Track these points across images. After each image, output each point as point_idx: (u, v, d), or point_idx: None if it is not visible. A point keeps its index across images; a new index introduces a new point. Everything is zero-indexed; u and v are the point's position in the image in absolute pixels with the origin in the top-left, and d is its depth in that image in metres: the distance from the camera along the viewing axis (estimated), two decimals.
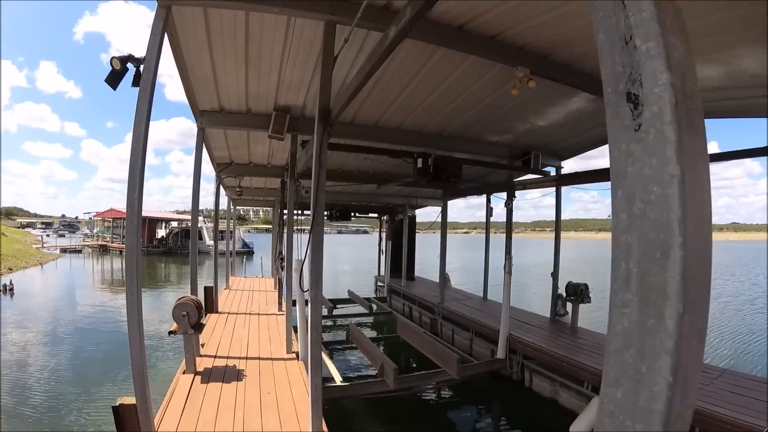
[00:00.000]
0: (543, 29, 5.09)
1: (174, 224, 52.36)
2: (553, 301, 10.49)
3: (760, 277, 33.58)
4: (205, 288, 10.93)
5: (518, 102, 7.11)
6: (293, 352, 7.42)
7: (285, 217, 9.36)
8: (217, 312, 10.90)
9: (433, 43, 4.86)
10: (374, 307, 14.49)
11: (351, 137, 7.60)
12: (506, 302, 8.72)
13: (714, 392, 6.09)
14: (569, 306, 10.27)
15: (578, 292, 9.68)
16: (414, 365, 10.35)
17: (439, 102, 7.14)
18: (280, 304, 11.39)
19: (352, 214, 17.34)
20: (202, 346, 7.58)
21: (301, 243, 7.96)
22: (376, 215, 19.90)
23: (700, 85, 6.07)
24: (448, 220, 13.47)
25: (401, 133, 8.12)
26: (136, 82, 3.88)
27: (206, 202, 16.11)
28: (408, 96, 6.88)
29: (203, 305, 6.80)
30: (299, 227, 8.01)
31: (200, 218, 52.61)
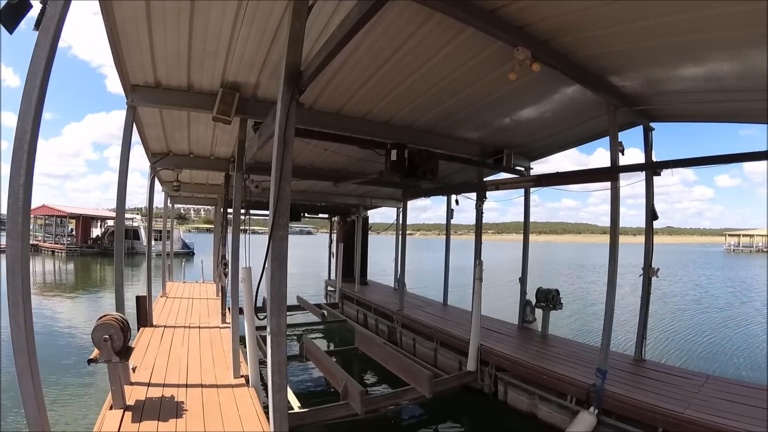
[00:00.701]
0: (547, 9, 4.44)
1: (110, 223, 48.65)
2: (521, 307, 9.96)
3: (701, 278, 35.50)
4: (138, 298, 9.45)
5: (502, 93, 6.45)
6: (242, 377, 6.30)
7: (230, 216, 8.22)
8: (151, 326, 9.43)
9: (429, 5, 3.97)
10: (326, 314, 13.42)
11: (307, 125, 6.58)
12: (477, 311, 8.05)
13: (706, 401, 5.79)
14: (537, 312, 9.81)
15: (549, 299, 9.19)
16: (375, 379, 9.45)
17: (415, 89, 6.32)
18: (223, 315, 10.10)
19: (302, 214, 16.21)
20: (134, 370, 6.29)
21: (248, 246, 6.88)
22: (326, 216, 18.81)
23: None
24: (390, 221, 12.73)
25: (366, 123, 7.19)
26: (38, 25, 2.71)
27: (143, 199, 14.39)
28: (381, 80, 6.00)
29: (128, 326, 5.54)
30: (246, 228, 6.90)
31: (137, 216, 49.10)
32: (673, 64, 5.55)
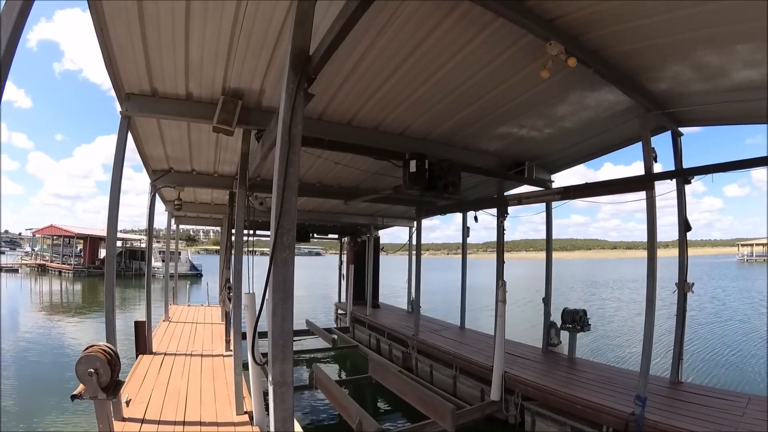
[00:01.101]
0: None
1: (119, 244, 48.47)
2: (545, 329, 9.29)
3: (717, 290, 34.38)
4: (136, 323, 8.96)
5: (524, 99, 6.01)
6: (245, 413, 5.70)
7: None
8: (151, 353, 8.87)
9: None
10: (337, 339, 12.77)
11: (336, 146, 6.16)
12: (501, 335, 7.41)
13: (753, 424, 5.34)
14: (563, 334, 9.15)
15: (576, 320, 8.54)
16: (391, 411, 8.80)
17: (431, 96, 5.87)
18: (227, 342, 9.52)
19: (311, 234, 15.72)
20: (128, 403, 5.77)
21: (252, 268, 6.36)
22: (336, 236, 18.30)
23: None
24: (398, 241, 12.16)
25: (379, 134, 6.73)
26: None
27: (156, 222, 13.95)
28: (395, 85, 5.54)
29: (117, 358, 5.01)
30: (252, 249, 6.39)
31: (146, 237, 48.72)
32: (703, 58, 5.07)
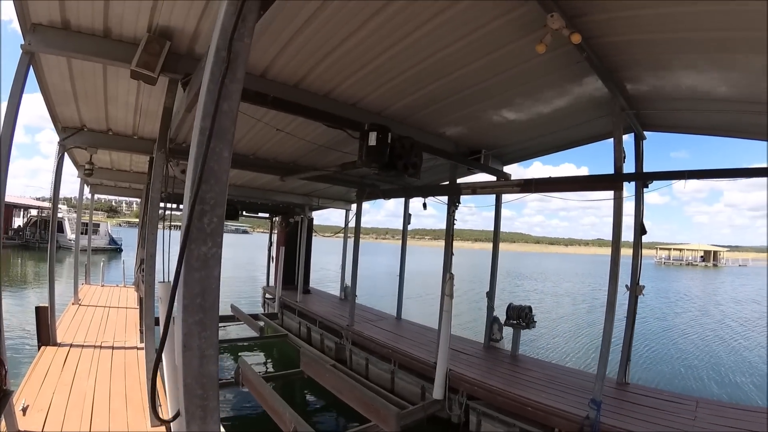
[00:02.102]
0: None
1: (34, 212, 44.01)
2: (488, 324, 8.99)
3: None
4: (38, 309, 7.46)
5: (501, 80, 5.46)
6: (161, 421, 4.71)
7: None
8: (54, 344, 7.48)
9: None
10: (264, 328, 11.78)
11: (280, 106, 5.13)
12: (446, 332, 6.91)
13: (706, 428, 5.37)
14: (505, 329, 8.90)
15: (522, 316, 8.29)
16: (325, 409, 8.11)
17: (394, 65, 5.13)
18: (141, 332, 8.29)
19: (240, 212, 14.46)
20: (24, 411, 4.70)
21: (168, 249, 5.28)
22: (267, 215, 17.08)
23: None
24: (325, 223, 11.46)
25: (329, 102, 5.87)
26: None
27: (73, 189, 12.11)
28: (353, 48, 4.74)
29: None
30: (170, 224, 5.31)
31: (63, 207, 43.99)
32: (692, 64, 4.82)
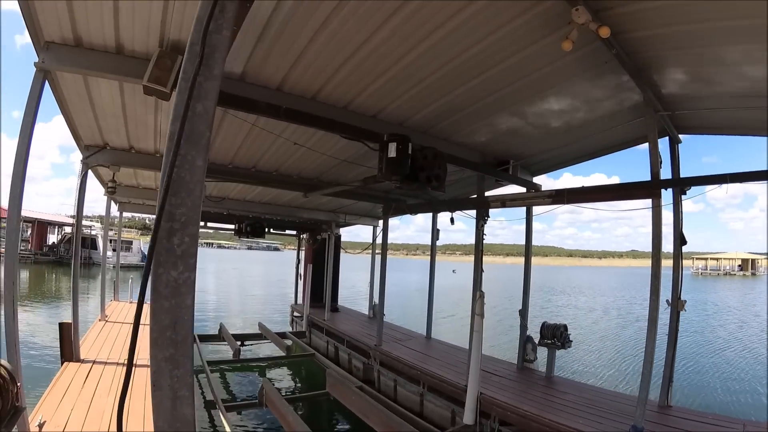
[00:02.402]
0: None
1: (68, 229, 45.10)
2: (521, 344, 8.54)
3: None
4: (61, 325, 7.53)
5: (527, 82, 5.15)
6: None
7: None
8: (78, 360, 7.52)
9: None
10: (292, 346, 11.62)
11: (294, 117, 5.00)
12: (477, 353, 6.53)
13: None
14: (539, 350, 8.43)
15: (557, 335, 7.82)
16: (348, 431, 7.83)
17: (414, 71, 4.90)
18: None
19: (268, 229, 14.46)
20: (40, 427, 4.61)
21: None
22: (294, 232, 17.07)
23: None
24: (358, 239, 11.21)
25: (348, 114, 5.70)
26: None
27: (99, 207, 12.48)
28: (369, 55, 4.55)
29: (12, 380, 3.84)
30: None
31: (96, 224, 45.61)
32: (732, 57, 4.41)
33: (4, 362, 3.78)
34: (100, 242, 36.81)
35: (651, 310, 5.31)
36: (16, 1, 3.75)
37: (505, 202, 7.21)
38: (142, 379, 6.98)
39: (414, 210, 9.81)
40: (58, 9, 3.84)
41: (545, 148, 7.44)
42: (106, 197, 11.54)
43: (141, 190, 11.39)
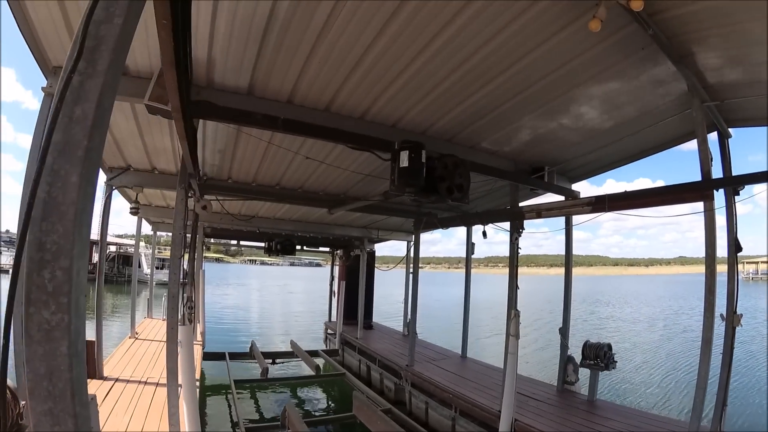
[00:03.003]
0: None
1: (112, 248, 47.14)
2: (561, 365, 7.90)
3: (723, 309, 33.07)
4: (85, 343, 7.60)
5: (554, 78, 4.67)
6: None
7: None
8: (101, 378, 7.58)
9: None
10: (321, 367, 11.34)
11: (293, 127, 4.76)
12: (511, 377, 6.00)
13: None
14: (581, 371, 7.78)
15: (600, 356, 7.15)
16: None
17: (432, 71, 4.51)
18: None
19: (301, 247, 14.38)
20: None
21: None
22: (327, 249, 16.95)
23: None
24: (397, 253, 10.80)
25: (366, 125, 5.42)
26: None
27: (145, 227, 12.82)
28: (378, 60, 4.23)
29: (14, 398, 3.69)
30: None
31: (141, 243, 47.48)
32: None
33: (9, 381, 3.63)
34: (143, 260, 38.09)
35: (705, 330, 4.70)
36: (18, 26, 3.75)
37: (540, 212, 6.69)
38: (160, 397, 6.93)
39: (445, 224, 9.41)
40: (60, 35, 3.80)
41: (582, 152, 6.87)
42: (140, 218, 11.75)
43: (170, 210, 11.53)
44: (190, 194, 5.02)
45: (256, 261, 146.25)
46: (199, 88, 4.50)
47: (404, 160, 4.08)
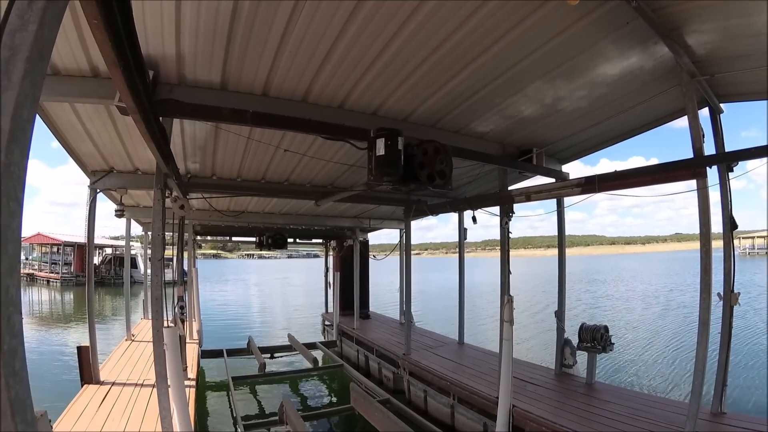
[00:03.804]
0: None
1: (108, 251, 47.06)
2: (558, 348, 7.87)
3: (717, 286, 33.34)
4: (79, 349, 7.56)
5: (537, 57, 4.49)
6: None
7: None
8: (97, 382, 7.51)
9: None
10: (320, 360, 11.30)
11: (262, 121, 4.60)
12: (507, 363, 5.92)
13: None
14: (578, 354, 7.75)
15: (597, 338, 7.11)
16: None
17: (409, 54, 4.32)
18: (184, 369, 8.07)
19: (290, 239, 14.26)
20: None
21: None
22: (320, 241, 16.84)
23: None
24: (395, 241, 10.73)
25: (345, 114, 5.26)
26: None
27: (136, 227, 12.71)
28: (355, 39, 4.01)
29: None
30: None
31: (136, 244, 47.33)
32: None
33: None
34: (139, 261, 37.87)
35: (702, 311, 4.61)
36: None
37: (530, 195, 6.56)
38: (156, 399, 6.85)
39: (434, 210, 9.28)
40: None
41: (570, 132, 6.72)
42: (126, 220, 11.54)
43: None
44: (168, 194, 4.86)
45: (253, 255, 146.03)
46: (171, 85, 4.35)
47: (380, 148, 3.94)
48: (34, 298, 30.98)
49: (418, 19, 3.69)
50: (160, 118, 3.97)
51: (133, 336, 11.43)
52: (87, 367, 7.51)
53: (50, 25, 1.16)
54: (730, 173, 5.53)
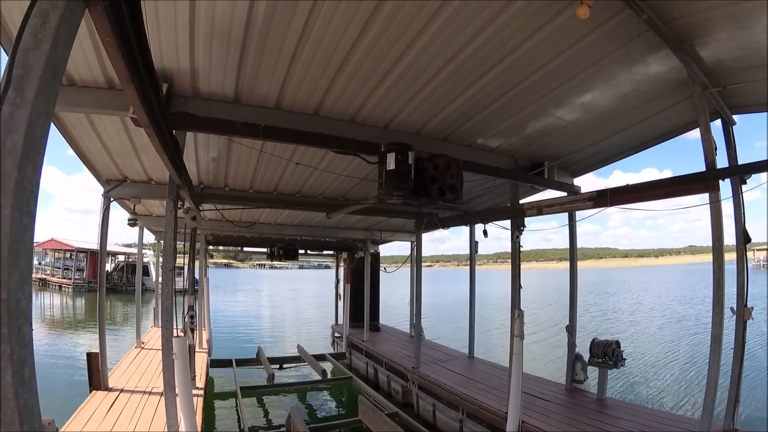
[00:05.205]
0: None
1: (120, 258, 47.63)
2: (569, 363, 7.76)
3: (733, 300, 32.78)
4: (89, 355, 7.63)
5: (550, 69, 4.49)
6: None
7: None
8: (106, 389, 7.57)
9: None
10: (329, 372, 11.27)
11: (274, 135, 4.65)
12: (517, 379, 5.83)
13: None
14: (590, 369, 7.62)
15: (609, 353, 7.00)
16: None
17: (421, 68, 4.36)
18: (193, 378, 8.10)
19: (302, 251, 14.31)
20: None
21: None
22: (331, 252, 16.89)
23: None
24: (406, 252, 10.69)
25: (356, 128, 5.32)
26: None
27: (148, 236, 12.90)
28: (367, 53, 4.06)
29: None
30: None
31: (149, 252, 47.79)
32: None
33: None
34: (152, 268, 38.15)
35: (714, 326, 4.53)
36: None
37: (541, 209, 6.52)
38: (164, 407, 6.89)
39: (445, 224, 9.28)
40: None
41: (582, 145, 6.70)
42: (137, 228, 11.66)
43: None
44: (180, 205, 4.94)
45: (264, 265, 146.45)
46: (185, 98, 4.45)
47: (391, 162, 3.96)
48: (46, 303, 31.31)
49: (430, 32, 3.72)
50: (174, 131, 4.04)
51: (143, 343, 11.50)
52: (96, 373, 7.56)
53: (63, 44, 1.21)
54: (743, 185, 5.45)
